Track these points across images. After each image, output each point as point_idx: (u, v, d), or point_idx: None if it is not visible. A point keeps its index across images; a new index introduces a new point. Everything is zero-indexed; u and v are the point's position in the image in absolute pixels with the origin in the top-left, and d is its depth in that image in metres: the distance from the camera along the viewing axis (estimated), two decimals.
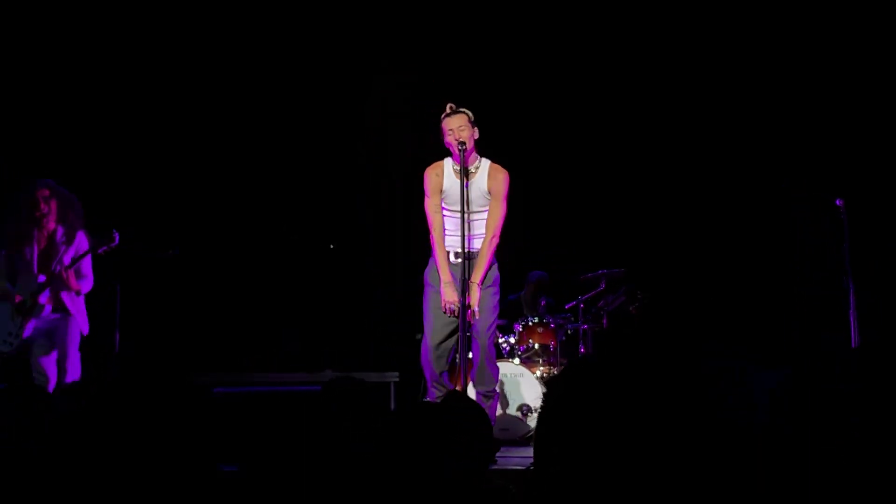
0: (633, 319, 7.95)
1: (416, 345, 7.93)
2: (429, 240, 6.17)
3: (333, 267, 9.27)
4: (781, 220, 8.52)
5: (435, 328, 6.05)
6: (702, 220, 8.92)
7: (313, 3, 9.20)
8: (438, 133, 6.08)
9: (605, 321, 8.11)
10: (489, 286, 6.06)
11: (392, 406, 7.59)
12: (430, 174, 6.16)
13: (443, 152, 6.17)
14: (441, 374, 6.06)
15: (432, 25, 9.14)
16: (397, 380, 7.77)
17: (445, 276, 6.02)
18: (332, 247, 8.88)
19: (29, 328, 6.76)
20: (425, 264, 6.24)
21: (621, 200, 9.26)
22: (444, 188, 6.10)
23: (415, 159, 6.46)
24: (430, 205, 6.13)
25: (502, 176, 6.10)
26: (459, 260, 5.93)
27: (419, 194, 6.21)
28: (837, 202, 6.93)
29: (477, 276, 5.96)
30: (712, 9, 8.85)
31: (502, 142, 6.43)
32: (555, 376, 2.30)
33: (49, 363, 6.76)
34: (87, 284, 6.90)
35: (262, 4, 9.17)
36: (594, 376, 2.14)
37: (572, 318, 8.25)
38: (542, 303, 8.56)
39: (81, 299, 6.93)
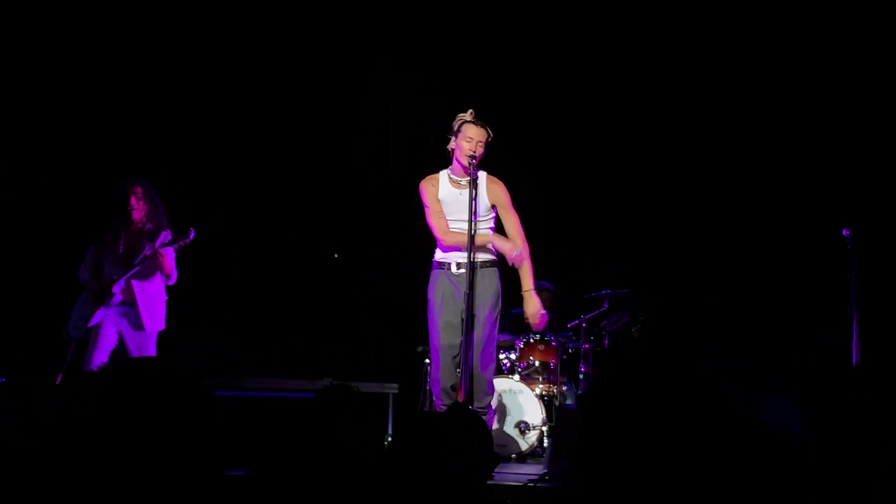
0: (635, 341, 7.94)
1: (417, 357, 7.97)
2: (433, 251, 6.18)
3: (335, 276, 9.26)
4: (787, 247, 8.53)
5: (443, 344, 6.01)
6: (709, 244, 8.92)
7: (314, 3, 9.21)
8: (449, 131, 6.04)
9: (606, 341, 8.10)
10: (490, 298, 6.05)
11: (390, 418, 7.58)
12: (426, 186, 6.14)
13: (439, 161, 6.16)
14: (451, 386, 6.02)
15: (432, 26, 9.13)
16: (396, 392, 7.76)
17: (481, 237, 6.01)
18: (336, 256, 8.88)
19: (97, 316, 6.92)
20: (426, 274, 6.23)
21: (627, 219, 9.25)
22: (439, 198, 6.09)
23: (416, 164, 6.43)
24: (431, 213, 6.10)
25: (500, 187, 6.10)
26: (462, 270, 5.92)
27: (417, 202, 6.20)
28: (844, 232, 6.94)
29: (529, 284, 6.09)
30: (723, 29, 8.86)
31: (505, 155, 6.41)
32: (588, 393, 2.33)
33: (103, 353, 6.88)
34: (171, 278, 7.12)
35: (263, 5, 9.18)
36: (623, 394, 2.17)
37: (574, 337, 8.24)
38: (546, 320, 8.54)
39: (159, 297, 7.10)
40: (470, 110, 6.00)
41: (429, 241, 6.21)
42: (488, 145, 6.00)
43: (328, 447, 3.26)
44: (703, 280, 8.85)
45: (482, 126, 5.98)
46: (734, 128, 8.96)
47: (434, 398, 6.15)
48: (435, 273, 6.12)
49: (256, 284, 9.30)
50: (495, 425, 7.49)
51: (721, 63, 8.92)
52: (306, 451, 3.27)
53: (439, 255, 6.14)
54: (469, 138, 5.94)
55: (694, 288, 8.77)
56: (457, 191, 6.04)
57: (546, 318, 6.19)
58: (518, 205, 6.18)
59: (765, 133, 8.88)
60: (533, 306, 6.11)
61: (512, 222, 6.11)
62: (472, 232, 5.86)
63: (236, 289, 9.29)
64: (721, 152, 8.98)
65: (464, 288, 5.89)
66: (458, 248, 5.99)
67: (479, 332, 5.99)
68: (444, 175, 6.14)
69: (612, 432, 2.20)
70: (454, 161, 6.06)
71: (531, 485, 5.70)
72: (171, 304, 7.34)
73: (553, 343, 8.06)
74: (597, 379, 8.05)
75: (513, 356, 8.04)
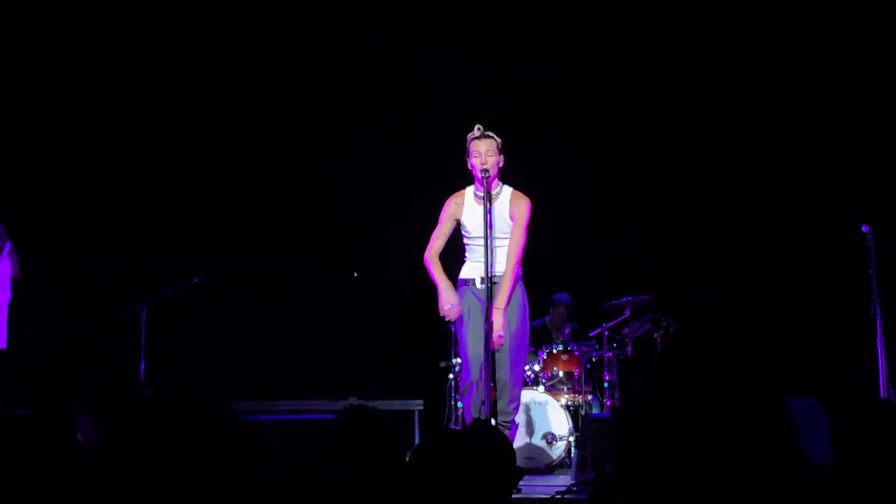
0: (658, 347, 7.92)
1: (440, 373, 7.98)
2: (457, 268, 6.22)
3: (357, 294, 9.29)
4: (807, 245, 8.48)
5: (472, 359, 6.02)
6: (726, 245, 8.89)
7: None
8: (464, 153, 6.08)
9: (629, 349, 8.07)
10: (516, 311, 6.06)
11: (416, 434, 7.58)
12: (450, 203, 6.21)
13: (467, 177, 6.18)
14: (481, 401, 6.02)
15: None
16: (421, 408, 7.75)
17: (443, 281, 6.06)
18: (356, 274, 8.90)
19: None
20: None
21: (646, 226, 9.23)
22: (463, 216, 6.13)
23: (440, 186, 6.45)
24: (437, 230, 6.19)
25: (524, 203, 6.12)
26: (484, 286, 5.92)
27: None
28: (864, 228, 6.90)
29: (501, 302, 5.93)
30: (737, 26, 8.85)
31: (521, 163, 6.42)
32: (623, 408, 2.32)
33: None
34: None
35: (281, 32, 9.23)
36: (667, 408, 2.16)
37: (597, 346, 8.21)
38: (567, 330, 8.52)
39: None
40: (476, 126, 6.04)
41: (454, 258, 6.23)
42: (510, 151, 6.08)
43: (347, 469, 3.25)
44: (723, 279, 8.81)
45: (487, 137, 6.02)
46: (752, 123, 8.94)
47: (464, 412, 6.17)
48: (460, 290, 6.16)
49: (280, 307, 9.33)
50: (523, 438, 7.49)
51: (738, 57, 8.91)
52: (327, 473, 3.26)
53: (464, 272, 6.18)
54: (478, 153, 5.99)
55: (714, 289, 8.72)
56: (481, 207, 6.05)
57: (500, 341, 5.96)
58: (540, 215, 6.20)
59: (782, 129, 8.85)
60: (495, 323, 5.96)
61: (516, 238, 6.06)
62: (489, 244, 5.87)
63: (260, 312, 9.33)
64: (738, 148, 8.95)
65: (485, 302, 5.89)
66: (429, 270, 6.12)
67: (505, 346, 6.00)
68: (469, 191, 6.19)
69: (648, 446, 2.18)
70: (475, 178, 6.10)
71: (559, 496, 5.69)
72: (197, 328, 7.35)
73: (576, 353, 8.04)
74: (629, 391, 8.00)
75: (536, 367, 8.02)
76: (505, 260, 6.06)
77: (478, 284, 6.02)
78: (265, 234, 9.33)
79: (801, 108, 8.79)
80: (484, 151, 5.99)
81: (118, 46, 9.01)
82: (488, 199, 5.94)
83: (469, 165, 6.08)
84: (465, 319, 6.08)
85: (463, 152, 6.11)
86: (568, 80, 9.36)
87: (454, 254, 6.25)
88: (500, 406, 6.06)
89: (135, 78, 9.12)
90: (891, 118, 8.45)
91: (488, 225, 5.90)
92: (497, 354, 5.97)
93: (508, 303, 5.99)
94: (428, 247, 6.19)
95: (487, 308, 5.84)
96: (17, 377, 8.15)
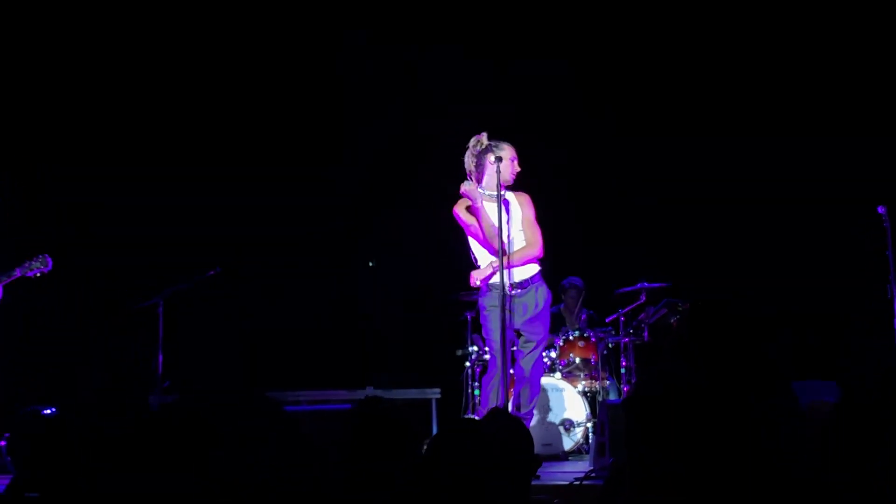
0: (674, 332, 7.90)
1: (457, 361, 7.97)
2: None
3: (373, 283, 9.26)
4: (823, 227, 8.51)
5: (498, 348, 6.02)
6: (726, 245, 8.92)
7: None
8: (497, 151, 6.04)
9: (646, 334, 8.06)
10: (539, 308, 6.06)
11: (434, 423, 7.55)
12: (461, 211, 6.20)
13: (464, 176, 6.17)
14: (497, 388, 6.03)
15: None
16: (439, 396, 7.71)
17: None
18: (371, 264, 8.89)
19: None
20: (464, 280, 6.25)
21: (645, 226, 9.25)
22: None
23: (457, 178, 6.43)
24: (473, 230, 6.13)
25: (525, 199, 6.13)
26: (515, 291, 5.95)
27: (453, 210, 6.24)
28: (880, 209, 6.95)
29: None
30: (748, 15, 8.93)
31: (520, 163, 6.42)
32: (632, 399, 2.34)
33: None
34: None
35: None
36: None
37: (613, 332, 8.20)
38: (584, 317, 8.52)
39: None
40: (485, 133, 6.06)
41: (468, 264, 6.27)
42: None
43: (361, 461, 3.23)
44: (723, 279, 8.83)
45: None
46: (752, 123, 8.99)
47: (482, 399, 6.18)
48: (491, 294, 6.14)
49: (296, 298, 9.29)
50: (541, 424, 7.49)
51: (737, 57, 8.98)
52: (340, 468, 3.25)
53: (497, 278, 6.08)
54: (515, 156, 6.01)
55: (729, 273, 8.73)
56: (493, 205, 6.04)
57: (472, 280, 6.12)
58: (552, 202, 6.22)
59: (781, 129, 8.91)
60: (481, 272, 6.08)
61: (534, 234, 6.16)
62: (505, 239, 5.86)
63: (275, 302, 9.30)
64: (738, 148, 9.00)
65: (500, 301, 5.88)
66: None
67: (531, 342, 6.08)
68: (476, 193, 6.13)
69: (657, 436, 2.18)
70: (485, 177, 6.10)
71: (577, 483, 5.65)
72: (215, 320, 7.32)
73: (592, 339, 8.04)
74: (638, 383, 8.00)
75: (553, 354, 8.02)
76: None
77: (506, 290, 5.96)
78: (265, 234, 9.29)
79: (801, 108, 8.85)
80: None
81: (118, 46, 8.99)
82: (502, 201, 5.93)
83: (509, 169, 6.06)
84: (494, 315, 6.07)
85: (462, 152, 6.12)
86: (568, 80, 9.34)
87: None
88: (522, 399, 6.11)
89: (135, 78, 9.10)
90: (890, 118, 8.52)
91: (507, 231, 5.90)
92: (524, 350, 6.10)
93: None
94: (480, 237, 6.12)
95: (502, 297, 5.83)
96: (18, 377, 8.11)
